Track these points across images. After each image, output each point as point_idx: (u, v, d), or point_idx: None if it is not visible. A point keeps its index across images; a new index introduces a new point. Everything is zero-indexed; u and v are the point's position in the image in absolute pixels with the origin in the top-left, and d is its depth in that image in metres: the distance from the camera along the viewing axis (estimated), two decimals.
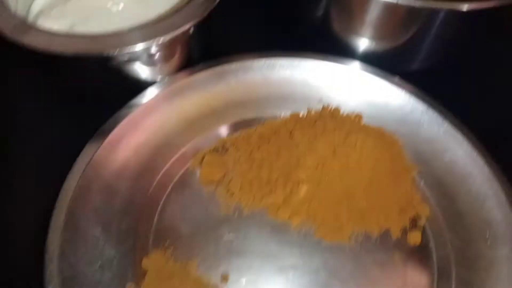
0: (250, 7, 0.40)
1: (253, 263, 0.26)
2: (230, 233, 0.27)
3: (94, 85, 0.33)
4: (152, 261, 0.26)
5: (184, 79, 0.31)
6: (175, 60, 0.33)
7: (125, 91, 0.31)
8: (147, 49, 0.28)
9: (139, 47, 0.27)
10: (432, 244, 0.28)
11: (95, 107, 0.30)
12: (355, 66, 0.33)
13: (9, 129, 0.32)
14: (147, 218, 0.27)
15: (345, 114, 0.32)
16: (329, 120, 0.30)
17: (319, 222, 0.27)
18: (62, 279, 0.23)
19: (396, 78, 0.33)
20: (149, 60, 0.31)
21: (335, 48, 0.35)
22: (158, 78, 0.32)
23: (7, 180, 0.30)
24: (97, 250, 0.25)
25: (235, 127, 0.32)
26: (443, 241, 0.27)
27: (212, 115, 0.32)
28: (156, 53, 0.30)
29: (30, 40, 0.27)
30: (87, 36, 0.28)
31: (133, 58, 0.29)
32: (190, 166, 0.30)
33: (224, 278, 0.26)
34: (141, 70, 0.31)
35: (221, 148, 0.31)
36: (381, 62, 0.33)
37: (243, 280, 0.26)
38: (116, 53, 0.27)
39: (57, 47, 0.27)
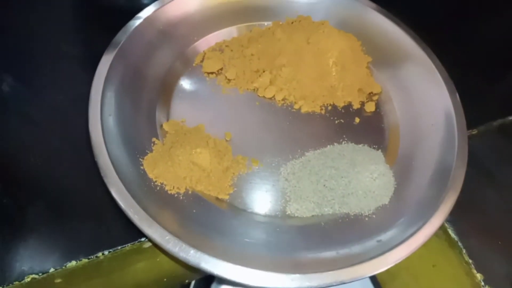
0: None
1: (248, 126, 0.34)
2: (230, 107, 0.35)
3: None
4: (171, 125, 0.33)
5: None
6: None
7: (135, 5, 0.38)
8: None
9: None
10: (383, 112, 0.36)
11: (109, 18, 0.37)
12: None
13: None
14: (166, 94, 0.35)
15: (315, 21, 0.40)
16: (304, 22, 0.38)
17: (297, 97, 0.36)
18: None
19: None
20: None
21: None
22: None
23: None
24: (127, 118, 0.32)
25: (229, 33, 0.39)
26: (392, 109, 0.36)
27: (210, 23, 0.39)
28: None
29: None
30: None
31: None
32: (195, 61, 0.37)
33: (227, 135, 0.33)
34: None
35: (218, 48, 0.38)
36: None
37: (241, 137, 0.34)
38: None
39: None
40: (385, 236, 0.29)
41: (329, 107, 0.36)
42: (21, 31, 0.39)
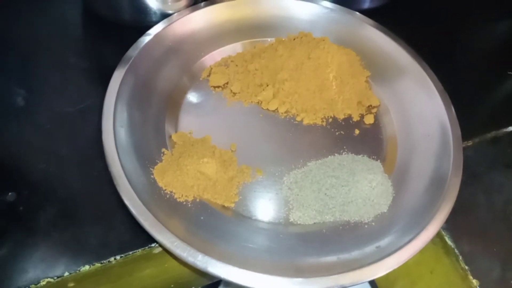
0: None
1: (252, 137, 0.36)
2: (235, 119, 0.37)
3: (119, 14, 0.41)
4: (179, 136, 0.35)
5: (195, 11, 0.40)
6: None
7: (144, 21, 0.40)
8: None
9: None
10: (381, 124, 0.38)
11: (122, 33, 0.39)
12: (324, 3, 0.43)
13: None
14: (175, 107, 0.37)
15: (316, 37, 0.42)
16: (305, 38, 0.40)
17: (299, 109, 0.37)
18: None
19: (356, 13, 0.43)
20: None
21: None
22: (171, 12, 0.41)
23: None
24: (137, 129, 0.34)
25: (234, 49, 0.41)
26: (390, 121, 0.38)
27: (216, 39, 0.41)
28: None
29: None
30: None
31: None
32: (202, 75, 0.39)
33: (232, 146, 0.35)
34: (159, 4, 0.40)
35: (224, 64, 0.40)
36: (343, 2, 0.44)
37: (246, 148, 0.35)
38: None
39: None
40: (384, 243, 0.30)
41: (330, 119, 0.38)
42: (35, 46, 0.41)
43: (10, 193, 0.32)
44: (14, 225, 0.30)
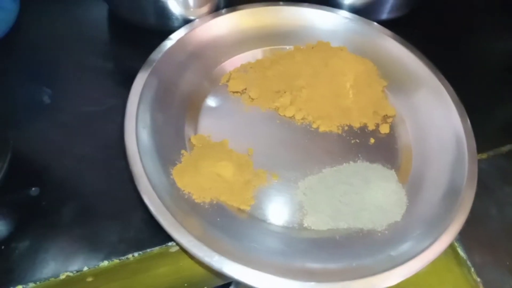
0: None
1: (269, 142, 0.37)
2: (252, 124, 0.38)
3: (143, 18, 0.43)
4: (198, 138, 0.36)
5: (217, 17, 0.41)
6: (206, 6, 0.43)
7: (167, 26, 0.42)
8: None
9: None
10: (397, 133, 0.38)
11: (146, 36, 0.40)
12: (343, 13, 0.44)
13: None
14: (194, 110, 0.38)
15: (334, 46, 0.42)
16: (323, 47, 0.41)
17: (316, 117, 0.38)
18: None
19: (374, 23, 0.44)
20: (187, 1, 0.40)
21: (326, 2, 0.46)
22: (193, 17, 0.42)
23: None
24: (158, 130, 0.35)
25: (253, 55, 0.42)
26: (405, 131, 0.38)
27: (236, 46, 0.42)
28: None
29: None
30: None
31: None
32: (221, 80, 0.40)
33: (249, 150, 0.36)
34: (182, 9, 0.41)
35: (243, 70, 0.41)
36: (361, 12, 0.44)
37: (262, 152, 0.36)
38: None
39: None
40: (396, 251, 0.30)
41: (346, 127, 0.38)
42: (62, 47, 0.42)
43: (33, 188, 0.33)
44: (37, 219, 0.32)
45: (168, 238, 0.30)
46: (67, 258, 0.30)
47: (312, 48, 0.42)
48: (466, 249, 0.35)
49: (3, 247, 0.30)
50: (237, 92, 0.40)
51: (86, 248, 0.31)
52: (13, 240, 0.31)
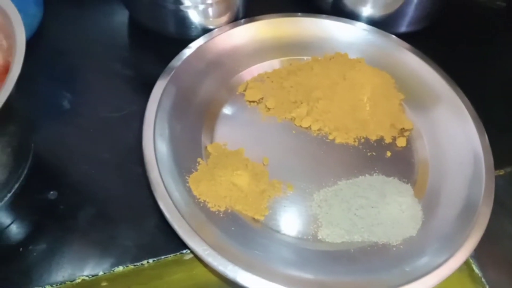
0: None
1: (284, 153, 0.37)
2: (268, 134, 0.38)
3: (163, 26, 0.43)
4: (214, 147, 0.36)
5: (236, 27, 0.42)
6: (225, 16, 0.43)
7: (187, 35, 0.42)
8: None
9: None
10: (414, 147, 0.38)
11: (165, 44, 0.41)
12: (361, 26, 0.44)
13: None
14: (211, 118, 0.38)
15: (352, 58, 0.42)
16: (341, 58, 0.41)
17: (332, 128, 0.38)
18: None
19: (392, 36, 0.44)
20: (207, 10, 0.41)
21: (345, 14, 0.46)
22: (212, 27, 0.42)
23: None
24: (176, 138, 0.35)
25: (271, 65, 0.42)
26: (422, 145, 0.38)
27: (254, 55, 0.42)
28: (212, 4, 0.40)
29: None
30: None
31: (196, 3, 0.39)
32: (239, 89, 0.40)
33: (265, 160, 0.36)
34: (201, 19, 0.41)
35: (260, 79, 0.41)
36: (380, 25, 0.45)
37: (278, 162, 0.36)
38: None
39: None
40: (411, 267, 0.30)
41: (362, 140, 0.38)
42: (82, 53, 0.43)
43: (52, 192, 0.33)
44: (54, 222, 0.32)
45: (182, 245, 0.30)
46: (83, 262, 0.31)
47: (330, 59, 0.42)
48: (481, 266, 0.34)
49: (21, 249, 0.31)
50: (253, 101, 0.40)
51: (102, 253, 0.31)
52: (31, 242, 0.31)
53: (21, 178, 0.31)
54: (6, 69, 0.30)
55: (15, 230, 0.32)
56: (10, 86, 0.24)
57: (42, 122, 0.37)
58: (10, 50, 0.28)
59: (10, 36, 0.28)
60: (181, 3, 0.39)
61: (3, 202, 0.30)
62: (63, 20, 0.45)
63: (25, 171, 0.32)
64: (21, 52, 0.26)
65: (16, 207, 0.32)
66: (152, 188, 0.31)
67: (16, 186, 0.31)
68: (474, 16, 0.53)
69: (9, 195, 0.31)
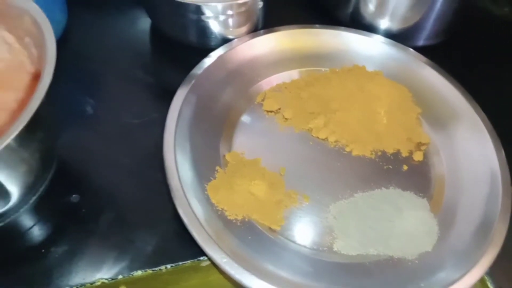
0: None
1: (301, 163, 0.37)
2: (285, 144, 0.38)
3: (184, 35, 0.44)
4: (232, 156, 0.36)
5: (255, 38, 0.43)
6: (245, 26, 0.44)
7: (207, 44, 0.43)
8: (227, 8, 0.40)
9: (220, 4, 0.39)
10: (430, 162, 0.38)
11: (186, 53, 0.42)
12: (379, 38, 0.44)
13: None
14: (230, 127, 0.39)
15: (370, 71, 0.43)
16: (358, 70, 0.41)
17: (349, 140, 0.38)
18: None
19: (410, 49, 0.44)
20: (228, 21, 0.42)
21: (363, 26, 0.46)
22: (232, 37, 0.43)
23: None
24: (195, 146, 0.36)
25: (289, 76, 0.43)
26: (439, 160, 0.38)
27: (272, 66, 0.43)
28: (233, 14, 0.41)
29: None
30: None
31: (217, 14, 0.40)
32: (257, 99, 0.41)
33: (282, 170, 0.36)
34: (222, 29, 0.42)
35: (278, 89, 0.42)
36: (398, 38, 0.45)
37: (294, 173, 0.36)
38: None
39: None
40: (426, 282, 0.30)
41: (379, 153, 0.38)
42: (105, 60, 0.44)
43: (74, 195, 0.34)
44: (76, 225, 0.33)
45: (200, 252, 0.31)
46: (102, 265, 0.31)
47: (348, 71, 0.42)
48: (496, 284, 0.34)
49: (43, 250, 0.32)
50: (271, 111, 0.40)
51: (121, 256, 0.32)
52: (52, 244, 0.32)
53: (46, 182, 0.32)
54: (36, 76, 0.31)
55: (38, 231, 0.33)
56: (42, 95, 0.25)
57: (65, 127, 0.38)
58: (40, 59, 0.29)
59: (40, 45, 0.29)
60: (203, 13, 0.40)
61: (28, 205, 0.31)
62: (87, 26, 0.47)
63: (50, 175, 0.33)
64: (52, 62, 0.27)
65: (40, 210, 0.33)
66: (172, 195, 0.32)
67: (41, 189, 0.32)
68: (493, 30, 0.53)
69: (34, 198, 0.32)
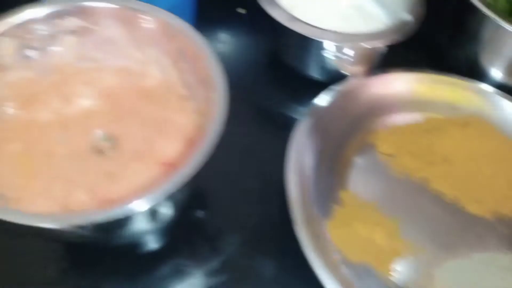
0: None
1: (416, 213, 0.37)
2: (400, 191, 0.38)
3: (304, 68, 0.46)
4: (347, 195, 0.37)
5: (373, 77, 0.44)
6: (364, 66, 0.45)
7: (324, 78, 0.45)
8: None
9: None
10: None
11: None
12: (487, 87, 0.44)
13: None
14: (344, 164, 0.40)
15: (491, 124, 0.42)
16: (479, 124, 0.41)
17: (467, 197, 0.38)
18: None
19: None
20: (348, 60, 0.43)
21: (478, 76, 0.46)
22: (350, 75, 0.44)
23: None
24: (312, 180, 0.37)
25: (405, 119, 0.43)
26: None
27: (388, 108, 0.43)
28: (355, 55, 0.42)
29: None
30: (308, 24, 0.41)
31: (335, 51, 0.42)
32: (372, 140, 0.42)
33: (396, 218, 0.36)
34: (341, 67, 0.44)
35: (393, 133, 0.42)
36: None
37: (409, 223, 0.36)
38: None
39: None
40: None
41: (499, 215, 0.37)
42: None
43: (199, 211, 0.36)
44: (201, 240, 0.35)
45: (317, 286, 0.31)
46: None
47: (468, 122, 0.42)
48: None
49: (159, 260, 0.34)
50: (386, 154, 0.41)
51: (241, 279, 0.34)
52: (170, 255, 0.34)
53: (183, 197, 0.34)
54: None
55: (158, 240, 0.35)
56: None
57: None
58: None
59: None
60: (326, 50, 0.42)
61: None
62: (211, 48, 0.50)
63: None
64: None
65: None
66: (296, 228, 0.33)
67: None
68: None
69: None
